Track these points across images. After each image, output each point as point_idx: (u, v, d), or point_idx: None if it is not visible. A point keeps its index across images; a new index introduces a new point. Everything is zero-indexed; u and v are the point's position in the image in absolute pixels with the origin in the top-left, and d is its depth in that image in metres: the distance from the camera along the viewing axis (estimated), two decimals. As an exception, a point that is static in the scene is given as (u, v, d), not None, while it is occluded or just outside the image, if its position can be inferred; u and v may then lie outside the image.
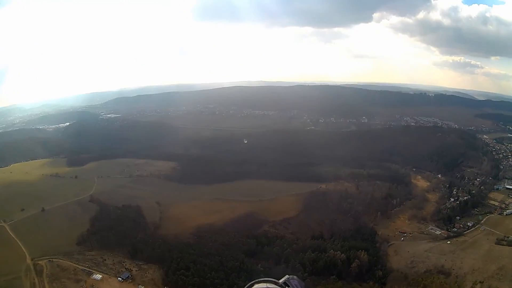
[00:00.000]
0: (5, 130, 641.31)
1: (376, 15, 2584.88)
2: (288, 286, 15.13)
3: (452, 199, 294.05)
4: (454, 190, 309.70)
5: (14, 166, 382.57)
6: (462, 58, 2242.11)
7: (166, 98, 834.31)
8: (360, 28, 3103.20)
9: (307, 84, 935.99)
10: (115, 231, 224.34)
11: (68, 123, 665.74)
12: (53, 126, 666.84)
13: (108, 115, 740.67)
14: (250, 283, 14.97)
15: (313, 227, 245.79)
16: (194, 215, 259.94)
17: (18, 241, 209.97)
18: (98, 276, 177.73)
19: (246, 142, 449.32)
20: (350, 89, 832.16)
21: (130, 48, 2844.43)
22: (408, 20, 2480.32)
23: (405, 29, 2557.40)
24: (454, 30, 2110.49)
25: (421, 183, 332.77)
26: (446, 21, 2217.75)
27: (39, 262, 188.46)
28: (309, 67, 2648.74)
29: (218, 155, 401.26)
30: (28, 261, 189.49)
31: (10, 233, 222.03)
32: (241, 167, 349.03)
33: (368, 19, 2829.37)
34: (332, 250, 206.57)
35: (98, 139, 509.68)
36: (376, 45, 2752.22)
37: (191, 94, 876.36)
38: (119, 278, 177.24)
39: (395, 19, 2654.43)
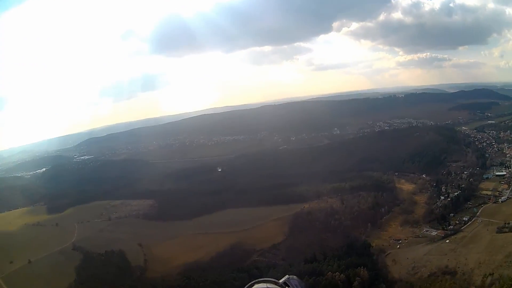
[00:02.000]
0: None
1: (335, 24, 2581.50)
2: (288, 286, 15.06)
3: (442, 197, 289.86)
4: (443, 187, 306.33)
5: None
6: (428, 53, 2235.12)
7: (135, 134, 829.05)
8: (321, 40, 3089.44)
9: (273, 104, 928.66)
10: (101, 279, 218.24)
11: (44, 169, 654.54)
12: (31, 173, 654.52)
13: (81, 157, 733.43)
14: (250, 283, 14.86)
15: (303, 250, 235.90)
16: (179, 253, 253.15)
17: None
18: None
19: (220, 170, 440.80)
20: (318, 103, 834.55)
21: (93, 87, 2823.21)
22: (369, 24, 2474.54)
23: (366, 34, 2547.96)
24: (417, 27, 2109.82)
25: (406, 186, 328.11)
26: (408, 19, 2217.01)
27: None
28: (273, 86, 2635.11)
29: (194, 187, 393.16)
30: None
31: (4, 286, 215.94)
32: (219, 197, 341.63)
33: (327, 29, 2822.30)
34: (329, 272, 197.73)
35: (74, 182, 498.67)
36: (339, 55, 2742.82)
37: (159, 127, 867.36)
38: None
39: (355, 25, 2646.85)
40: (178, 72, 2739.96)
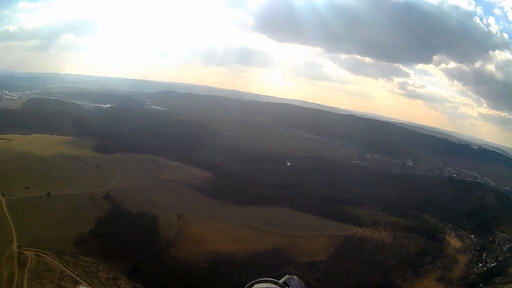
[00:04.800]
0: (39, 97, 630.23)
1: (436, 57, 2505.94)
2: (288, 286, 15.03)
3: (480, 264, 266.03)
4: (484, 254, 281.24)
5: (35, 137, 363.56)
6: (507, 114, 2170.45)
7: (216, 102, 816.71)
8: (419, 68, 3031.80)
9: (359, 116, 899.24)
10: (121, 241, 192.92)
11: (108, 105, 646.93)
12: (93, 105, 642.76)
13: (152, 106, 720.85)
14: (250, 283, 14.96)
15: (341, 277, 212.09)
16: (215, 239, 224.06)
17: (10, 221, 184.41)
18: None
19: (289, 164, 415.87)
20: (400, 128, 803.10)
21: (190, 44, 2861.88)
22: (465, 68, 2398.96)
23: (460, 76, 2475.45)
24: (504, 84, 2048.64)
25: (454, 241, 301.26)
26: (499, 75, 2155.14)
27: (26, 252, 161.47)
28: (363, 97, 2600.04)
29: (257, 173, 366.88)
30: (14, 247, 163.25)
31: (5, 209, 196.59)
32: (278, 192, 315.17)
33: (427, 60, 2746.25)
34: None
35: (135, 128, 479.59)
36: (430, 88, 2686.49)
37: (242, 103, 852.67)
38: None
39: (453, 64, 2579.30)
40: (275, 56, 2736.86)
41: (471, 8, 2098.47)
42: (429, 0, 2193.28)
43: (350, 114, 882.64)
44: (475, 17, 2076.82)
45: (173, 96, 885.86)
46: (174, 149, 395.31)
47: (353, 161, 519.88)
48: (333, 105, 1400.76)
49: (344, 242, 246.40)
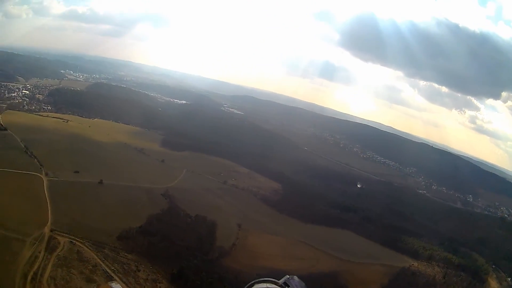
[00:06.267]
0: (108, 82, 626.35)
1: (504, 93, 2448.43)
2: (288, 286, 15.50)
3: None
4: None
5: (96, 121, 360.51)
6: None
7: (295, 113, 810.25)
8: (488, 103, 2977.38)
9: (431, 145, 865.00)
10: (171, 242, 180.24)
11: (184, 101, 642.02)
12: (167, 99, 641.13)
13: (230, 109, 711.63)
14: (250, 283, 15.19)
15: None
16: (273, 254, 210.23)
17: (48, 202, 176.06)
18: (118, 287, 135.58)
19: (359, 186, 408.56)
20: (467, 162, 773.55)
21: (275, 52, 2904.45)
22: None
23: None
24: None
25: (493, 283, 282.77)
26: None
27: (59, 237, 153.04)
28: (436, 126, 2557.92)
29: (326, 191, 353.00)
30: (46, 230, 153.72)
31: (45, 190, 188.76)
32: (344, 214, 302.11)
33: (496, 95, 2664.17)
34: None
35: (208, 129, 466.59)
36: (496, 125, 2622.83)
37: (321, 118, 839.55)
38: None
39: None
40: (357, 74, 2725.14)
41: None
42: (500, 35, 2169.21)
43: (423, 143, 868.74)
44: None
45: (252, 101, 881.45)
46: (246, 155, 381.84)
47: (420, 191, 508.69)
48: (408, 131, 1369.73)
49: (398, 274, 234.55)
